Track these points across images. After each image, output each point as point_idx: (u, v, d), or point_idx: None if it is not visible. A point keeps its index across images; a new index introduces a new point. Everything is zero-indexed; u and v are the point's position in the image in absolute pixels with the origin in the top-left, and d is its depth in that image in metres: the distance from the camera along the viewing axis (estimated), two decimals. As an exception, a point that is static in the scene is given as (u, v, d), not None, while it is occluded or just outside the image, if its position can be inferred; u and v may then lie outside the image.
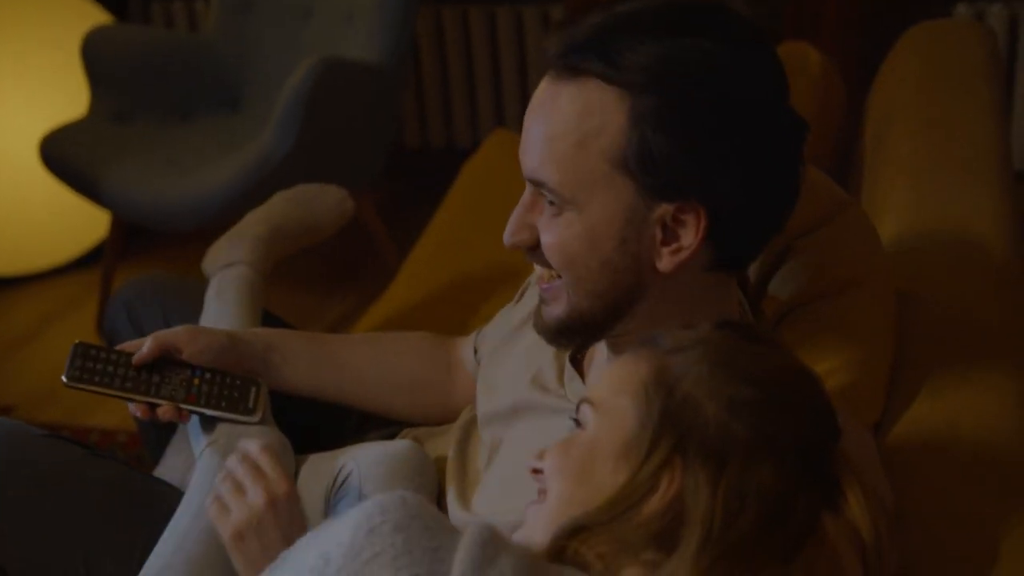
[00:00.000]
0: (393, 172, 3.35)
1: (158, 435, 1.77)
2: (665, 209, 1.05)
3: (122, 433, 2.50)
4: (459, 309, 1.96)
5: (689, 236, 1.05)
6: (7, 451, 1.37)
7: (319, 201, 1.79)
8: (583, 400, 0.98)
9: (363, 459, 1.33)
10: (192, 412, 1.36)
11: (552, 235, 1.08)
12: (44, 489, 1.36)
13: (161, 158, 2.83)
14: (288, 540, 1.09)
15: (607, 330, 1.13)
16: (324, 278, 3.18)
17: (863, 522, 0.90)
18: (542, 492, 0.98)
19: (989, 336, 1.30)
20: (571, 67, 1.05)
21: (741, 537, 0.87)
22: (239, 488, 1.14)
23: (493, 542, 0.88)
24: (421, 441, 1.43)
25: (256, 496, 1.12)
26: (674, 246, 1.06)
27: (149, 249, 3.30)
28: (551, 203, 1.08)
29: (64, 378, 1.33)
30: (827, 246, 1.27)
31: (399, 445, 1.35)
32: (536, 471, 0.99)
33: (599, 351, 1.21)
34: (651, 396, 0.92)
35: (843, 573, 0.90)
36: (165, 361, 1.37)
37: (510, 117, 3.40)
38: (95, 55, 2.94)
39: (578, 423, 0.99)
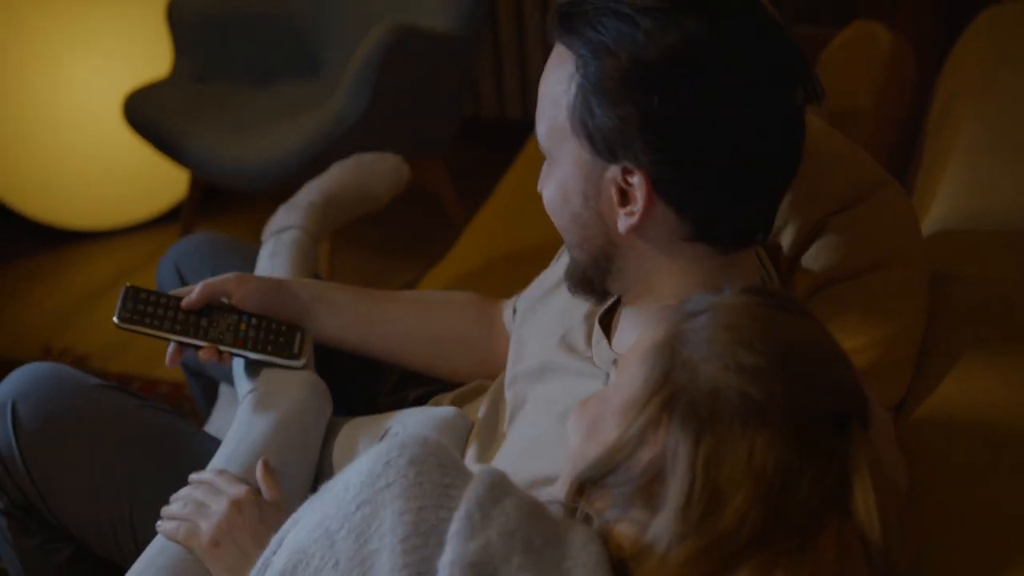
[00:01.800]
0: (469, 141, 3.37)
1: (204, 395, 1.82)
2: (614, 171, 1.09)
3: (186, 386, 2.54)
4: (513, 276, 1.97)
5: (637, 201, 1.09)
6: (63, 398, 1.42)
7: (374, 170, 1.82)
8: (614, 360, 1.00)
9: (410, 421, 1.36)
10: (237, 355, 1.40)
11: (544, 187, 1.18)
12: (95, 434, 1.41)
13: (239, 119, 2.88)
14: (259, 537, 1.16)
15: (602, 284, 1.19)
16: (396, 244, 3.22)
17: (870, 526, 0.88)
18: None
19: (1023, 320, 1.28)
20: (554, 31, 1.13)
21: (733, 518, 0.86)
22: (202, 506, 1.21)
23: (500, 485, 0.91)
24: (461, 403, 1.46)
25: (219, 505, 1.20)
26: (628, 208, 1.10)
27: (228, 209, 3.36)
28: (546, 159, 1.17)
29: (115, 319, 1.38)
30: (862, 224, 1.27)
31: (446, 410, 1.37)
32: None
33: (626, 315, 1.22)
34: (656, 358, 0.94)
35: None
36: (213, 307, 1.41)
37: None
38: (179, 17, 3.00)
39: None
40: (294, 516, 1.01)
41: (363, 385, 1.55)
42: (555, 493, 0.99)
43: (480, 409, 1.37)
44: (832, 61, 2.17)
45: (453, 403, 1.45)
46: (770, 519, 0.86)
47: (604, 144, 1.08)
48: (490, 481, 0.91)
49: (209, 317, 1.40)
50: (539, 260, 2.03)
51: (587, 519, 0.94)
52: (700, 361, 0.91)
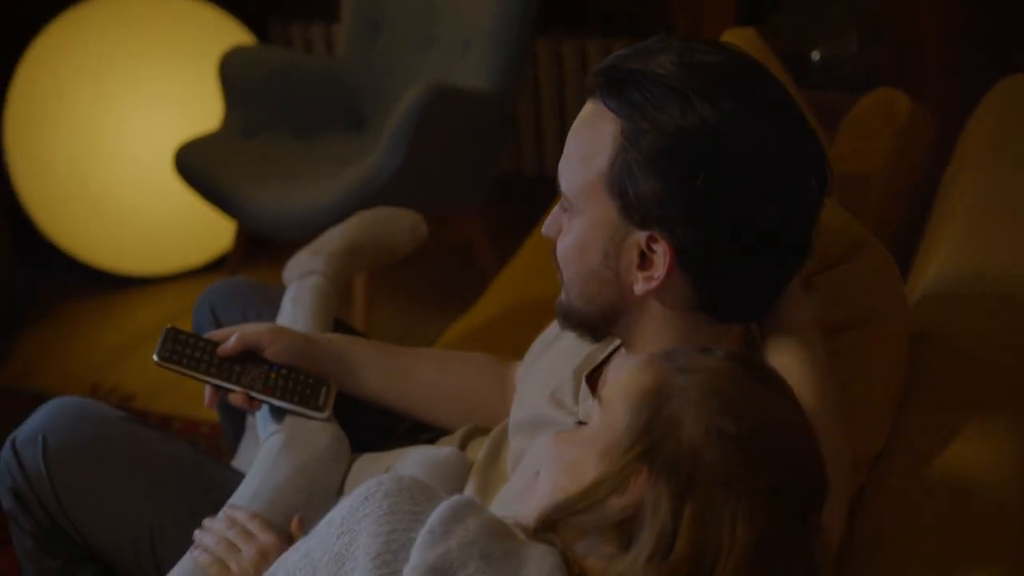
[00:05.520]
0: (511, 197, 3.45)
1: (234, 429, 1.91)
2: (640, 236, 1.14)
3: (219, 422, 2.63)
4: (531, 331, 2.04)
5: (659, 268, 1.14)
6: (87, 429, 1.51)
7: (394, 224, 1.90)
8: (596, 397, 1.07)
9: (410, 461, 1.43)
10: (265, 402, 1.48)
11: (561, 240, 1.21)
12: (119, 464, 1.49)
13: (284, 173, 2.99)
14: None
15: (601, 332, 1.23)
16: (433, 296, 3.29)
17: None
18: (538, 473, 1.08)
19: (1005, 385, 1.33)
20: (596, 91, 1.17)
21: None
22: (233, 547, 1.29)
23: (467, 506, 0.99)
24: (467, 440, 1.52)
25: (249, 551, 1.28)
26: (648, 273, 1.15)
27: (268, 257, 3.45)
28: (564, 209, 1.20)
29: (155, 357, 1.47)
30: (843, 282, 1.32)
31: (444, 451, 1.44)
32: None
33: (612, 374, 1.29)
34: (641, 408, 1.00)
35: None
36: (246, 354, 1.50)
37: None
38: (231, 73, 3.12)
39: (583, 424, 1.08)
40: (283, 556, 1.11)
41: (377, 426, 1.62)
42: (523, 517, 1.05)
43: (481, 451, 1.44)
44: (852, 125, 2.24)
45: (460, 444, 1.51)
46: None
47: (638, 211, 1.13)
48: (455, 503, 0.99)
49: (243, 364, 1.49)
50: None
51: (550, 543, 1.01)
52: (685, 420, 0.97)
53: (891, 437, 1.27)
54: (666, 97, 1.10)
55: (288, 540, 1.31)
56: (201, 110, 3.25)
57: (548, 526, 1.01)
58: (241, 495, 1.40)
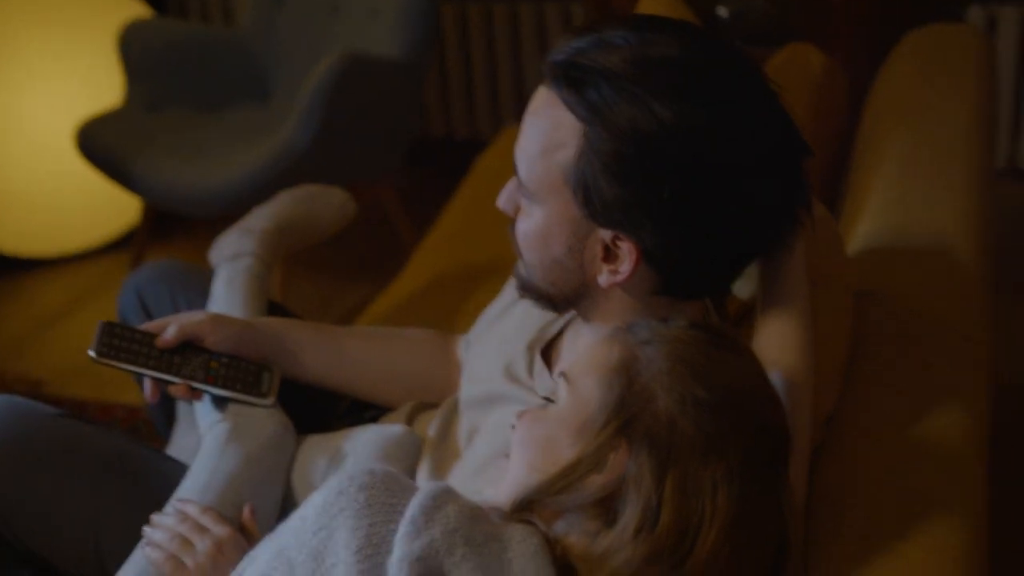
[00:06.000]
0: (418, 161, 3.43)
1: (167, 415, 1.87)
2: (605, 233, 1.13)
3: (144, 410, 2.54)
4: (461, 299, 2.04)
5: (624, 264, 1.14)
6: (19, 427, 1.45)
7: (322, 202, 1.87)
8: (561, 373, 1.07)
9: (359, 441, 1.42)
10: (207, 392, 1.45)
11: (521, 221, 1.20)
12: (54, 463, 1.44)
13: (191, 147, 2.93)
14: None
15: (561, 308, 1.23)
16: (347, 266, 3.27)
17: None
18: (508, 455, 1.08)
19: (946, 333, 1.36)
20: (553, 84, 1.14)
21: (705, 553, 0.95)
22: (187, 543, 1.26)
23: (444, 495, 0.99)
24: (413, 416, 1.51)
25: (204, 545, 1.25)
26: (613, 267, 1.14)
27: (177, 235, 3.40)
28: (523, 194, 1.18)
29: (92, 352, 1.42)
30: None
31: (395, 430, 1.43)
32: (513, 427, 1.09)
33: (567, 347, 1.29)
34: (613, 382, 1.01)
35: None
36: (184, 343, 1.46)
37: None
38: (130, 47, 3.05)
39: (549, 401, 1.08)
40: (250, 554, 1.09)
41: (318, 406, 1.60)
42: (496, 501, 1.06)
43: (431, 427, 1.43)
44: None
45: (407, 420, 1.50)
46: (734, 556, 0.96)
47: (603, 213, 1.12)
48: (433, 491, 0.99)
49: (182, 354, 1.45)
50: (488, 279, 2.10)
51: (528, 524, 1.01)
52: (658, 391, 0.98)
53: (842, 396, 1.29)
54: (623, 100, 1.08)
55: (241, 531, 1.29)
56: (101, 86, 3.17)
57: (525, 507, 1.01)
58: (190, 488, 1.37)
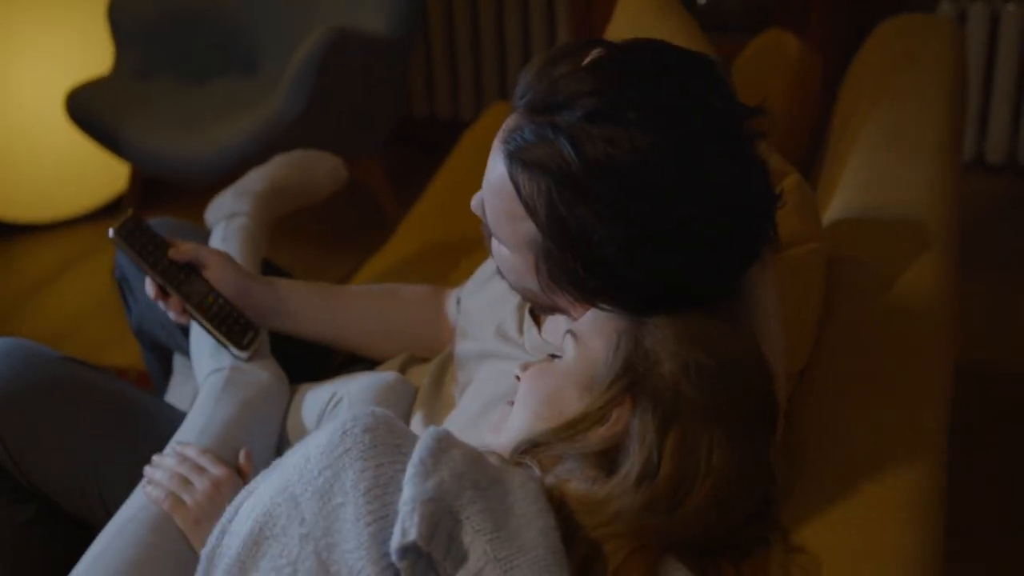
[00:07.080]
0: (402, 139, 3.48)
1: (162, 369, 1.92)
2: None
3: (133, 371, 2.62)
4: (448, 263, 2.10)
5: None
6: (26, 368, 1.49)
7: (316, 166, 1.92)
8: (569, 330, 1.14)
9: (353, 387, 1.47)
10: (195, 319, 1.51)
11: (496, 246, 1.21)
12: (60, 403, 1.49)
13: (180, 115, 2.97)
14: None
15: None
16: (333, 238, 3.31)
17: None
18: (512, 402, 1.14)
19: (913, 298, 1.44)
20: (505, 160, 1.11)
21: (695, 506, 1.02)
22: (186, 481, 1.31)
23: (446, 439, 1.04)
24: (405, 368, 1.57)
25: (202, 484, 1.30)
26: (586, 306, 1.16)
27: (165, 202, 3.43)
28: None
29: (112, 231, 1.49)
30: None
31: (386, 376, 1.48)
32: (517, 378, 1.15)
33: None
34: (620, 344, 1.08)
35: None
36: (193, 268, 1.53)
37: (512, 92, 3.52)
38: (120, 15, 3.09)
39: (554, 357, 1.15)
40: (247, 487, 1.13)
41: (313, 358, 1.66)
42: (494, 446, 1.12)
43: (425, 378, 1.49)
44: (744, 67, 2.32)
45: (399, 370, 1.56)
46: (723, 515, 1.03)
47: (571, 293, 1.14)
48: (436, 435, 1.04)
49: (187, 275, 1.52)
50: (472, 249, 2.16)
51: (527, 468, 1.08)
52: (663, 355, 1.05)
53: (813, 352, 1.37)
54: (573, 202, 1.06)
55: (237, 473, 1.35)
56: (91, 53, 3.20)
57: (526, 453, 1.07)
58: (188, 431, 1.42)
